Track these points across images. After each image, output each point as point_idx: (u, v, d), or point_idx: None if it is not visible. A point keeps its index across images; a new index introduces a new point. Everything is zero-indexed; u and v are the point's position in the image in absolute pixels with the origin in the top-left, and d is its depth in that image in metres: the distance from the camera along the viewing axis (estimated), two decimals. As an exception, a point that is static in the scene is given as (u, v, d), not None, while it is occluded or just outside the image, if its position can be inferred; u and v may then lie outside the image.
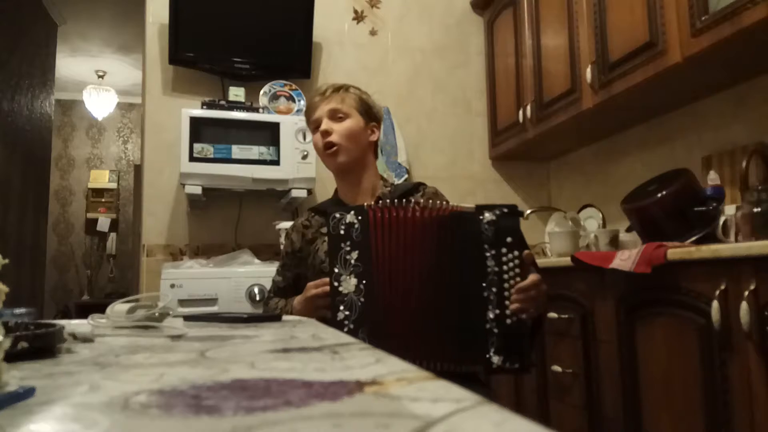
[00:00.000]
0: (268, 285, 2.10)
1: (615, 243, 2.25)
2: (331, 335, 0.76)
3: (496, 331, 1.12)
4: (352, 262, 1.14)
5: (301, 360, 0.52)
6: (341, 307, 1.13)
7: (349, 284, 1.13)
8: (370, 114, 1.48)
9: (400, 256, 1.16)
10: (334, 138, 1.41)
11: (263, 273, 2.14)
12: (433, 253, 1.16)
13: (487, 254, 1.14)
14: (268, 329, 0.85)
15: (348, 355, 0.55)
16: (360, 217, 1.15)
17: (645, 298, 1.62)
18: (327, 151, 1.42)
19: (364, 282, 1.13)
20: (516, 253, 1.13)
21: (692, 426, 1.43)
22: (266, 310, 1.53)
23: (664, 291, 1.54)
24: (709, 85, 2.05)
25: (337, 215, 1.16)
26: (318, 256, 1.41)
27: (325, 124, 1.42)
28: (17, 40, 3.70)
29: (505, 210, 1.15)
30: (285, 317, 1.11)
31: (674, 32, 1.81)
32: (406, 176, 2.89)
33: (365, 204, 1.18)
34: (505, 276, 1.13)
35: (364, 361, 0.50)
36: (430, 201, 1.21)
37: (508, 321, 1.12)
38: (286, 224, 2.38)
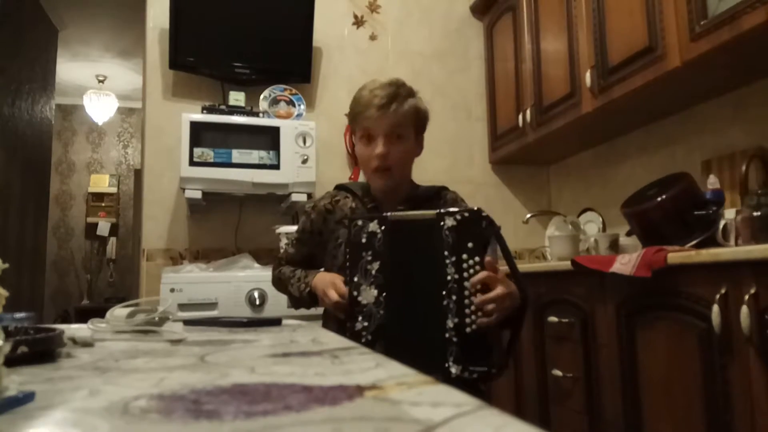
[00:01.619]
0: (268, 289, 2.10)
1: (615, 247, 2.25)
2: (332, 340, 0.76)
3: (455, 340, 1.08)
4: (373, 272, 1.12)
5: (301, 364, 0.52)
6: (360, 318, 1.11)
7: (369, 295, 1.12)
8: (423, 125, 1.43)
9: (398, 263, 1.15)
10: (390, 162, 1.34)
11: (263, 277, 2.14)
12: (406, 261, 1.14)
13: (447, 261, 1.10)
14: (267, 333, 0.85)
15: (348, 360, 0.55)
16: (383, 227, 1.13)
17: (645, 302, 1.62)
18: (377, 171, 1.36)
19: (384, 294, 1.11)
20: (477, 258, 1.09)
21: (693, 430, 1.43)
22: (276, 275, 1.51)
23: (664, 295, 1.54)
24: (709, 90, 2.05)
25: (359, 222, 1.15)
26: (341, 252, 1.37)
27: (383, 147, 1.33)
28: (18, 44, 3.71)
29: (466, 215, 1.10)
30: (285, 322, 1.11)
31: (673, 37, 1.81)
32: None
33: (387, 213, 1.16)
34: (466, 283, 1.09)
35: (364, 366, 0.50)
36: (400, 207, 1.20)
37: (468, 330, 1.08)
38: (287, 228, 2.38)
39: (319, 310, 1.52)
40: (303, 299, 1.38)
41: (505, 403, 2.23)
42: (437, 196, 1.47)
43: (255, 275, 2.22)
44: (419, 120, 1.40)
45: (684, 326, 1.47)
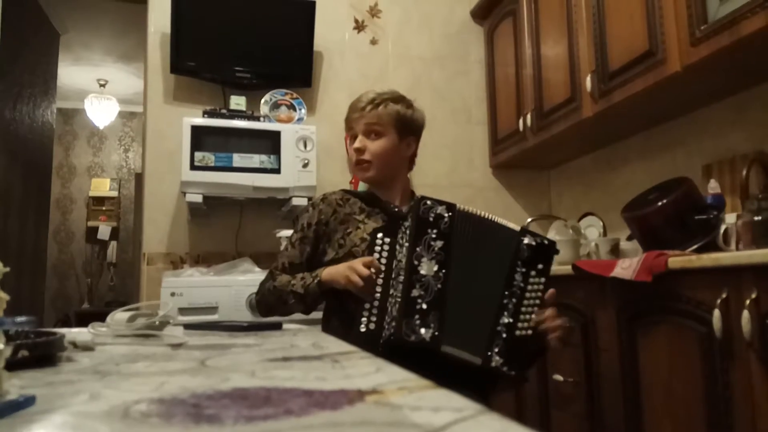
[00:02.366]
0: (268, 293, 2.09)
1: (616, 251, 2.24)
2: (332, 344, 0.76)
3: (504, 335, 1.19)
4: (436, 249, 1.19)
5: (301, 369, 0.52)
6: (417, 285, 1.16)
7: (429, 268, 1.18)
8: (409, 128, 1.53)
9: (472, 257, 1.22)
10: (366, 156, 1.48)
11: (264, 281, 2.14)
12: (465, 250, 1.22)
13: (518, 269, 1.22)
14: (268, 338, 0.85)
15: (348, 364, 0.55)
16: (450, 213, 1.21)
17: (646, 306, 1.62)
18: (358, 165, 1.50)
19: (444, 271, 1.18)
20: (542, 279, 1.23)
21: (694, 435, 1.42)
22: (268, 288, 1.46)
23: (665, 299, 1.54)
24: (709, 94, 2.05)
25: (429, 202, 1.21)
26: (350, 239, 1.42)
27: (359, 142, 1.49)
28: (19, 48, 3.72)
29: (546, 242, 1.25)
30: (285, 326, 1.11)
31: (674, 41, 1.82)
32: (406, 184, 2.89)
33: (457, 204, 1.24)
34: (527, 294, 1.21)
35: (365, 370, 0.50)
36: (478, 210, 1.26)
37: (518, 333, 1.19)
38: (287, 232, 2.37)
39: (318, 315, 1.50)
40: (308, 294, 1.36)
41: (505, 408, 2.22)
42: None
43: (255, 279, 2.18)
44: (401, 123, 1.51)
45: (685, 331, 1.47)
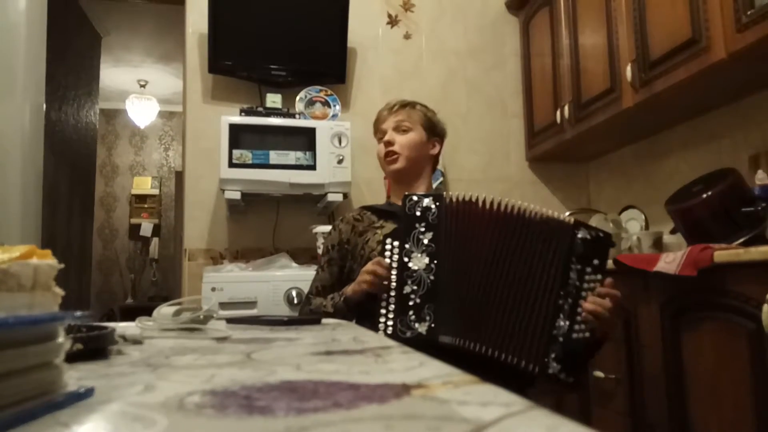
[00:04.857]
0: (305, 288, 2.12)
1: (659, 245, 2.19)
2: (372, 338, 0.76)
3: (561, 340, 1.13)
4: (425, 242, 1.18)
5: (344, 362, 0.53)
6: (408, 281, 1.16)
7: (420, 262, 1.17)
8: (434, 130, 1.59)
9: (469, 245, 1.19)
10: (395, 147, 1.53)
11: (301, 276, 2.16)
12: (505, 248, 1.18)
13: (572, 267, 1.16)
14: (309, 332, 0.86)
15: (390, 358, 0.55)
16: (437, 203, 1.20)
17: (691, 302, 1.57)
18: (387, 158, 1.54)
19: (435, 262, 1.16)
20: (599, 276, 1.16)
21: (743, 434, 1.38)
22: (306, 312, 1.51)
23: (710, 294, 1.50)
24: (755, 82, 1.98)
25: (414, 198, 1.21)
26: (368, 245, 1.44)
27: (389, 135, 1.54)
28: (64, 52, 3.84)
29: (601, 234, 1.19)
30: (324, 320, 1.12)
31: (718, 28, 1.76)
32: (441, 179, 2.88)
33: (444, 192, 1.23)
34: (583, 293, 1.15)
35: (408, 365, 0.50)
36: (507, 201, 1.23)
37: (575, 335, 1.14)
38: (323, 228, 2.40)
39: None
40: (337, 311, 1.38)
41: (545, 406, 2.20)
42: None
43: (293, 274, 2.24)
44: (429, 122, 1.58)
45: (732, 327, 1.43)
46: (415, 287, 1.15)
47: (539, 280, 1.16)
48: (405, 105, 1.57)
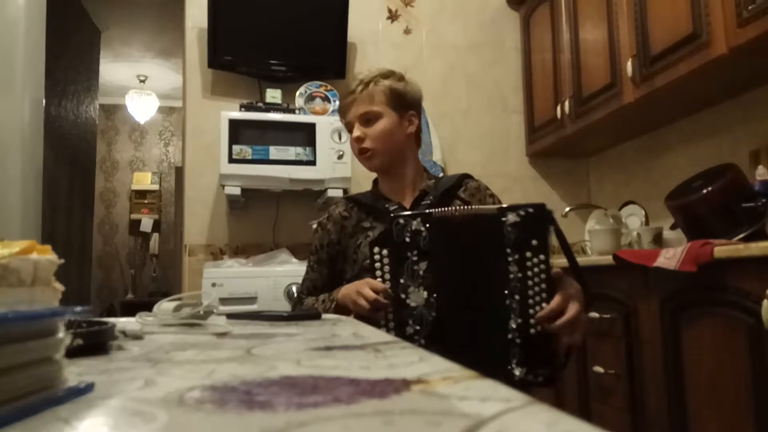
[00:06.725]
0: (306, 284, 2.12)
1: (659, 241, 2.19)
2: (372, 334, 0.76)
3: (518, 341, 1.05)
4: (421, 273, 1.08)
5: (345, 358, 0.53)
6: (410, 321, 1.08)
7: (418, 297, 1.08)
8: (404, 103, 1.41)
9: (456, 265, 1.10)
10: (367, 144, 1.39)
11: (301, 272, 2.13)
12: (462, 259, 1.10)
13: (510, 259, 1.04)
14: (308, 327, 0.86)
15: (391, 354, 0.55)
16: (427, 225, 1.10)
17: (691, 297, 1.58)
18: (362, 156, 1.41)
19: (434, 295, 1.08)
20: (542, 256, 1.03)
21: (742, 429, 1.38)
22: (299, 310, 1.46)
23: (710, 290, 1.50)
24: (756, 77, 1.97)
25: (401, 221, 1.11)
26: (361, 251, 1.35)
27: (357, 130, 1.39)
28: (63, 47, 3.83)
29: (530, 210, 1.04)
30: (324, 315, 1.12)
31: (719, 23, 1.75)
32: (441, 174, 2.87)
33: (429, 210, 1.13)
34: (530, 282, 1.04)
35: (408, 360, 0.50)
36: (458, 203, 1.19)
37: (532, 330, 1.04)
38: (323, 224, 2.40)
39: None
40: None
41: (544, 400, 2.20)
42: (458, 185, 1.44)
43: (293, 270, 2.24)
44: (395, 98, 1.40)
45: (732, 322, 1.43)
46: (417, 327, 1.08)
47: (489, 287, 1.07)
48: (367, 84, 1.39)
